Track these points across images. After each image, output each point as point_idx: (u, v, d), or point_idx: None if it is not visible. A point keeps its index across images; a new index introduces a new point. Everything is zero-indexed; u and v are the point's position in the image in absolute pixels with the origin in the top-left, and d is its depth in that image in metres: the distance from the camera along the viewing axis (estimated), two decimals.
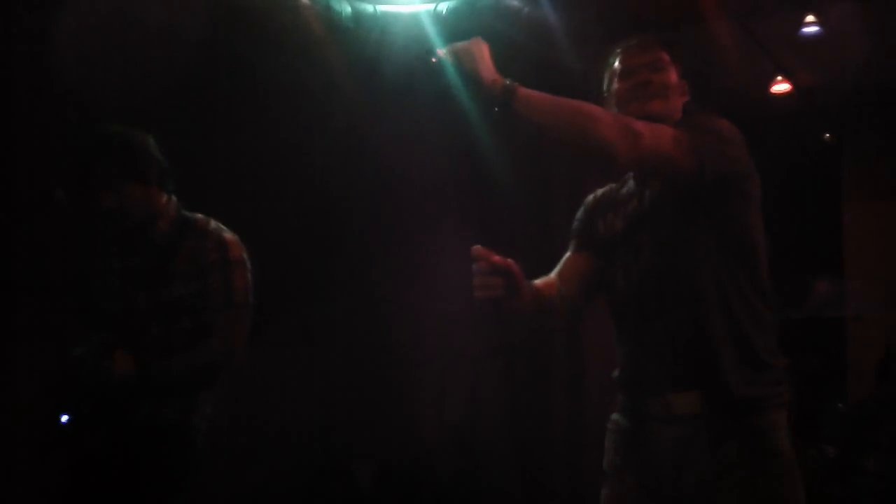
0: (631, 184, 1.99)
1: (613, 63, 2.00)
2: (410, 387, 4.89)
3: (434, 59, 1.70)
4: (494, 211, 4.66)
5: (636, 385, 1.87)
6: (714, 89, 5.30)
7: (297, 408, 4.27)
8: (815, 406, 4.56)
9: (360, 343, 4.62)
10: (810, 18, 4.35)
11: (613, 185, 2.08)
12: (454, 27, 3.83)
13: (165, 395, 2.39)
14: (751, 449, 1.72)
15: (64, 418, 2.41)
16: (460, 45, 1.68)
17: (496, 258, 1.69)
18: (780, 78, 5.13)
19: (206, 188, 2.76)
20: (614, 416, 1.96)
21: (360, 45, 4.00)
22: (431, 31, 3.92)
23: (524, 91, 1.65)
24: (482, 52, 1.67)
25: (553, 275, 2.00)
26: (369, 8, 3.96)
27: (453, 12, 3.89)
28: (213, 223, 2.52)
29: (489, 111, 1.67)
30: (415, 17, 3.98)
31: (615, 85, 1.96)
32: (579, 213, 2.11)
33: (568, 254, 2.07)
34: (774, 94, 5.24)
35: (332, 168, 4.40)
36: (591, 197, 2.11)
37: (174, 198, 2.53)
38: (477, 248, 1.70)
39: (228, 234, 2.50)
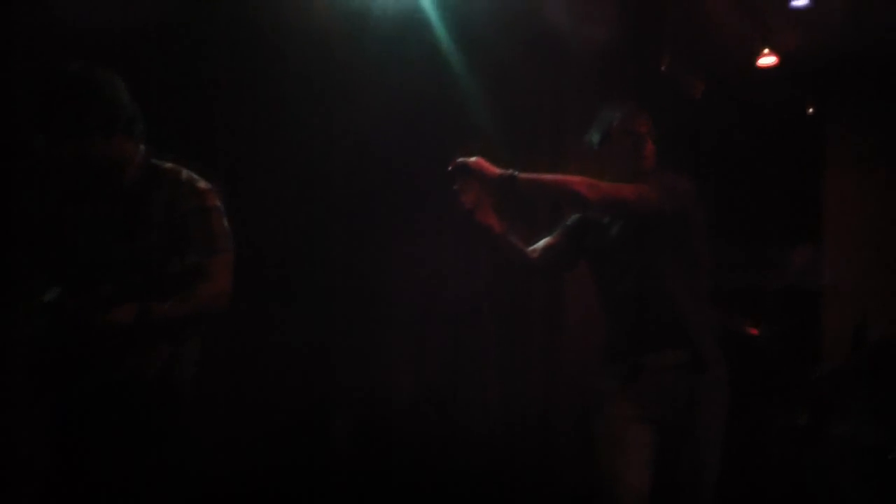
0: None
1: (617, 122, 2.81)
2: (389, 344, 4.90)
3: (450, 168, 2.59)
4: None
5: (630, 347, 2.70)
6: (702, 58, 5.31)
7: (275, 364, 4.28)
8: (789, 373, 4.62)
9: (340, 299, 4.62)
10: None
11: None
12: None
13: (155, 345, 2.38)
14: (711, 381, 2.69)
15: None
16: (466, 159, 2.59)
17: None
18: (766, 51, 5.12)
19: (188, 140, 2.73)
20: (603, 375, 2.78)
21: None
22: None
23: (521, 176, 2.55)
24: (483, 161, 2.58)
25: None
26: None
27: None
28: (185, 172, 2.48)
29: (500, 192, 2.59)
30: None
31: (621, 142, 2.79)
32: (573, 217, 2.94)
33: (549, 237, 2.92)
34: (761, 66, 5.23)
35: (315, 125, 4.36)
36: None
37: (143, 146, 2.48)
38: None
39: (202, 183, 2.47)
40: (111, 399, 2.33)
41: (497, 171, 2.57)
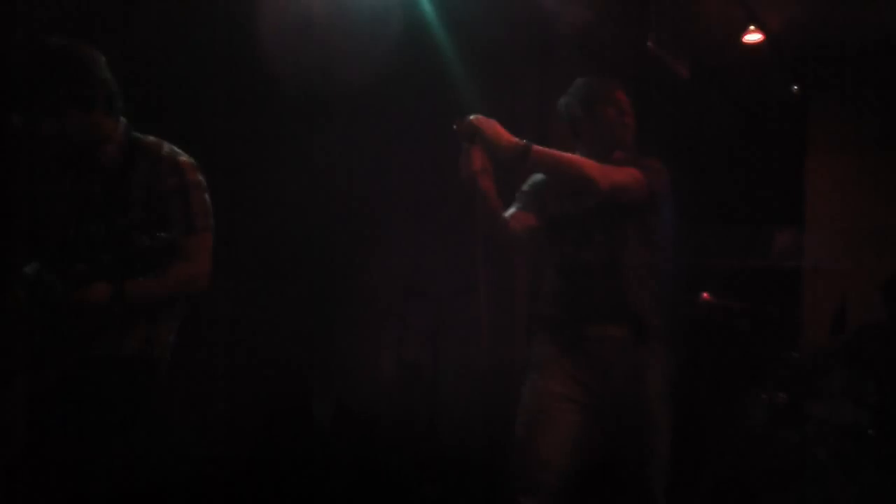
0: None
1: (601, 92, 2.76)
2: (370, 326, 4.90)
3: (454, 127, 2.44)
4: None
5: (576, 317, 2.68)
6: (688, 40, 5.31)
7: (256, 345, 4.26)
8: (770, 353, 4.66)
9: (321, 280, 4.61)
10: None
11: None
12: None
13: (130, 323, 2.36)
14: (653, 354, 2.68)
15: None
16: (479, 117, 2.45)
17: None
18: (752, 28, 5.12)
19: (169, 119, 2.70)
20: (542, 346, 2.73)
21: None
22: None
23: (536, 148, 2.46)
24: (497, 124, 2.46)
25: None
26: None
27: None
28: (167, 146, 2.43)
29: (509, 162, 2.46)
30: None
31: (605, 112, 2.74)
32: (531, 183, 2.85)
33: (514, 209, 2.80)
34: (746, 43, 5.23)
35: (305, 111, 4.33)
36: (539, 176, 2.84)
37: (123, 120, 2.44)
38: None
39: (184, 157, 2.42)
40: (86, 376, 2.32)
41: (513, 138, 2.46)
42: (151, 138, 2.45)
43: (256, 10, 3.88)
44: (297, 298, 4.50)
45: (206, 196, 2.45)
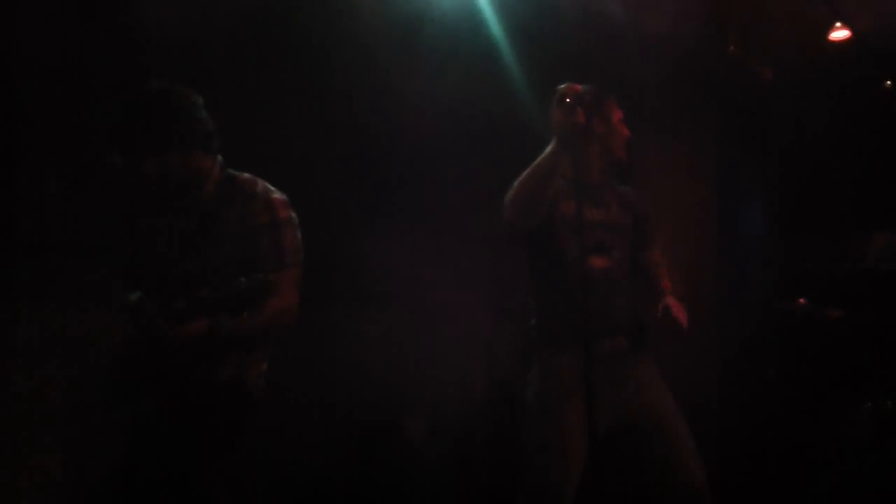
0: (595, 192, 2.75)
1: (604, 102, 2.82)
2: (459, 343, 4.90)
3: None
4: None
5: (589, 331, 2.52)
6: (772, 40, 5.20)
7: (347, 366, 4.31)
8: (872, 360, 4.50)
9: (409, 300, 4.63)
10: None
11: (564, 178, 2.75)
12: None
13: (224, 353, 2.42)
14: (651, 363, 2.78)
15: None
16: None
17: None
18: (838, 24, 4.99)
19: (245, 144, 2.75)
20: (553, 360, 2.72)
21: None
22: None
23: None
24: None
25: None
26: None
27: None
28: (261, 184, 2.50)
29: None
30: None
31: (619, 124, 2.87)
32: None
33: None
34: (833, 41, 5.10)
35: (373, 127, 4.36)
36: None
37: (219, 158, 2.51)
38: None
39: (276, 195, 2.49)
40: (184, 403, 2.39)
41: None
42: (246, 175, 2.52)
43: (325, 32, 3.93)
44: (387, 314, 4.53)
45: (297, 233, 2.51)
